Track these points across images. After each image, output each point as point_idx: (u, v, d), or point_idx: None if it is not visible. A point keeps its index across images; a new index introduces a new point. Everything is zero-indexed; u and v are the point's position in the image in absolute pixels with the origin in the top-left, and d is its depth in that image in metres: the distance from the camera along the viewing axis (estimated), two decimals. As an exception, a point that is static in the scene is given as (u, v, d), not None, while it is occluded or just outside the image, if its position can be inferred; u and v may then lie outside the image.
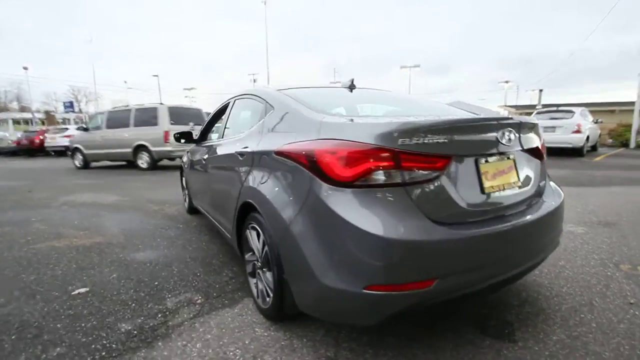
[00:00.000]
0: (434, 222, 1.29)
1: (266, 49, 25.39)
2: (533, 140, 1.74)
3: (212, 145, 2.93)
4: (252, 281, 2.07)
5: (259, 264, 1.90)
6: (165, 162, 10.42)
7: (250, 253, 2.07)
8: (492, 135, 1.49)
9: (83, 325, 1.89)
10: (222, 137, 2.78)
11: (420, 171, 1.30)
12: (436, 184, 1.33)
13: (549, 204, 1.71)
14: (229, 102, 2.90)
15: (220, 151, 2.57)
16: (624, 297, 2.02)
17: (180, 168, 4.56)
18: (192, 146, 4.01)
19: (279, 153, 1.63)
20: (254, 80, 47.81)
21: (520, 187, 1.62)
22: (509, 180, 1.57)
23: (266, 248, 1.74)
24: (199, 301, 2.14)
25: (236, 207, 2.12)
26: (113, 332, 1.82)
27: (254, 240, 1.93)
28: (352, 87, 2.41)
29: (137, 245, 3.17)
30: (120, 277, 2.51)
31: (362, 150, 1.28)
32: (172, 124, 9.01)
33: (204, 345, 1.69)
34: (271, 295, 1.75)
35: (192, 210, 4.16)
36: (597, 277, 2.27)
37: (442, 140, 1.34)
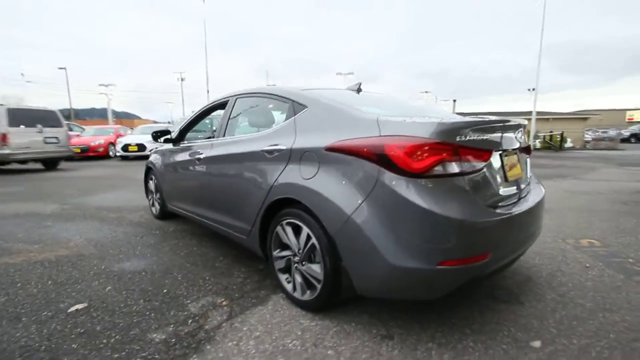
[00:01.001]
0: (485, 205, 1.54)
1: (205, 49, 23.74)
2: (525, 139, 2.13)
3: (208, 145, 2.81)
4: (283, 277, 2.09)
5: (298, 259, 1.94)
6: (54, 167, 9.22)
7: (279, 250, 2.09)
8: (511, 133, 1.81)
9: (105, 341, 1.70)
10: (223, 136, 2.70)
11: (473, 163, 1.53)
12: (483, 174, 1.58)
13: (539, 190, 2.12)
14: (226, 101, 2.83)
15: (228, 150, 2.50)
16: (580, 263, 2.56)
17: (146, 172, 4.17)
18: (163, 147, 3.76)
19: (333, 149, 1.71)
20: (182, 79, 44.89)
21: (522, 177, 1.98)
22: (518, 171, 1.92)
23: (312, 241, 1.80)
24: (224, 303, 2.07)
25: (261, 205, 2.11)
26: (148, 344, 1.68)
27: (290, 236, 1.96)
28: (359, 90, 2.59)
29: (117, 255, 2.85)
30: (118, 288, 2.27)
31: (429, 145, 1.46)
32: (15, 126, 8.32)
33: (257, 341, 1.67)
34: (318, 286, 1.81)
35: (164, 215, 3.86)
36: (555, 251, 2.82)
37: (485, 137, 1.60)
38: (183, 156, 3.20)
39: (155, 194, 3.94)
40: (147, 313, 1.96)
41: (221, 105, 2.96)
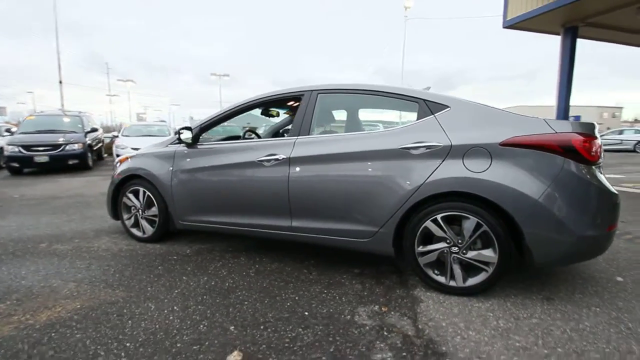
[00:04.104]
0: None
1: (56, 36, 17.46)
2: None
3: (285, 143, 2.46)
4: (430, 272, 2.14)
5: (457, 249, 2.05)
6: None
7: (422, 245, 2.13)
8: None
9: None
10: (308, 134, 2.44)
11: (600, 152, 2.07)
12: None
13: None
14: (299, 96, 2.55)
15: (336, 149, 2.28)
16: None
17: (121, 184, 3.11)
18: (163, 149, 2.97)
19: (510, 144, 1.93)
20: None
21: None
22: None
23: (483, 228, 1.96)
24: (384, 310, 1.97)
25: (404, 203, 2.10)
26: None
27: (446, 230, 2.04)
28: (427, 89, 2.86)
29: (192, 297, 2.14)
30: (254, 323, 1.79)
31: (595, 139, 1.91)
32: None
33: (474, 333, 1.73)
34: (488, 268, 1.99)
35: (162, 235, 3.03)
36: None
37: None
38: (226, 158, 2.65)
39: (145, 211, 3.03)
40: (326, 340, 1.68)
41: (280, 100, 2.64)
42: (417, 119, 2.22)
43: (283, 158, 2.43)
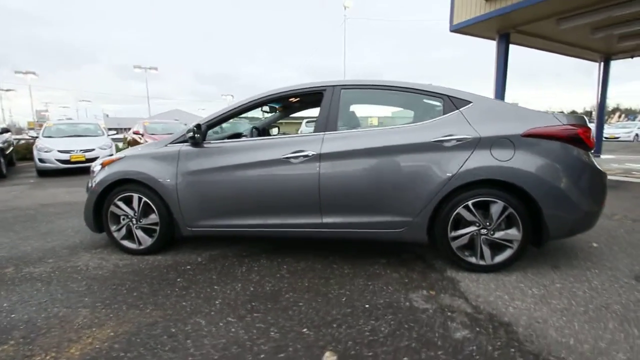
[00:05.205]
0: None
1: None
2: None
3: (312, 140, 2.41)
4: (461, 254, 2.32)
5: (486, 230, 2.26)
6: None
7: (454, 230, 2.31)
8: None
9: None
10: (335, 130, 2.43)
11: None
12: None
13: None
14: (320, 91, 2.52)
15: (370, 143, 2.31)
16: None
17: (106, 190, 2.67)
18: (162, 149, 2.67)
19: (531, 135, 2.18)
20: None
21: None
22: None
23: (509, 210, 2.21)
24: (433, 293, 2.09)
25: (438, 193, 2.24)
26: None
27: (476, 214, 2.25)
28: None
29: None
30: (323, 322, 1.75)
31: (590, 130, 2.28)
32: None
33: (543, 305, 1.96)
34: (513, 245, 2.24)
35: (163, 244, 2.72)
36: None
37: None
38: (246, 157, 2.49)
39: (141, 219, 2.68)
40: (403, 327, 1.74)
41: (299, 95, 2.57)
42: (444, 113, 2.38)
43: (313, 154, 2.39)
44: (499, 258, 2.30)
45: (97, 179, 2.75)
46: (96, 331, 1.73)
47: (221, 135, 3.29)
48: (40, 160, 7.61)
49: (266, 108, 3.48)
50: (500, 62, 7.18)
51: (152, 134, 9.38)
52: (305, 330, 1.72)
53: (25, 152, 11.07)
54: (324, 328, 1.73)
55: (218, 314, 1.88)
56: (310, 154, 2.40)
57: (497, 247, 2.31)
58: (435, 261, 2.54)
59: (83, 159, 7.86)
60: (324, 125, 2.47)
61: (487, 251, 2.30)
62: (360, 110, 2.98)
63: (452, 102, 2.39)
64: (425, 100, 2.51)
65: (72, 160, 7.75)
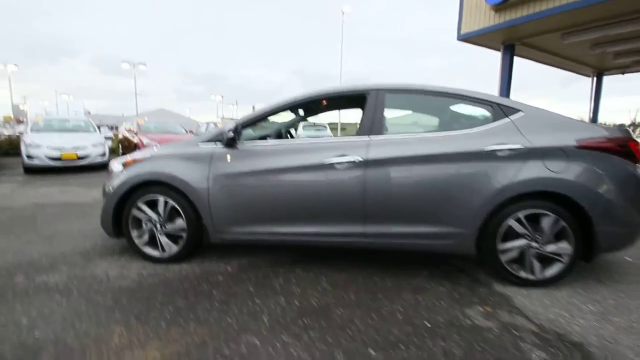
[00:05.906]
0: None
1: None
2: None
3: (356, 144, 2.30)
4: (512, 266, 2.25)
5: (537, 244, 2.19)
6: None
7: (502, 244, 2.23)
8: None
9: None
10: (381, 134, 2.32)
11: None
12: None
13: None
14: (363, 94, 2.41)
15: (419, 150, 2.22)
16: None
17: (130, 191, 2.46)
18: (192, 149, 2.50)
19: (585, 146, 2.14)
20: None
21: None
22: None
23: (562, 223, 2.15)
24: (489, 310, 2.00)
25: (490, 204, 2.16)
26: None
27: (527, 227, 2.18)
28: None
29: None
30: (388, 343, 1.62)
31: (638, 143, 2.26)
32: None
33: (594, 319, 1.89)
34: (564, 260, 2.18)
35: (190, 251, 2.54)
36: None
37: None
38: (285, 160, 2.35)
39: (166, 225, 2.48)
40: (475, 349, 1.63)
41: (340, 97, 2.46)
42: (493, 121, 2.31)
43: (359, 160, 2.27)
44: (550, 272, 2.24)
45: (120, 179, 2.54)
46: (140, 352, 1.54)
47: (251, 135, 3.13)
48: (29, 156, 7.16)
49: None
50: (504, 73, 7.29)
51: (147, 133, 9.09)
52: (371, 351, 1.59)
53: (8, 147, 10.47)
54: (391, 350, 1.60)
55: (270, 332, 1.72)
56: (356, 160, 2.28)
57: (546, 260, 2.25)
58: (478, 274, 2.46)
59: (75, 157, 7.45)
60: (368, 129, 2.36)
61: (536, 265, 2.23)
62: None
63: (502, 110, 2.32)
64: (473, 107, 2.44)
65: (63, 157, 7.33)
